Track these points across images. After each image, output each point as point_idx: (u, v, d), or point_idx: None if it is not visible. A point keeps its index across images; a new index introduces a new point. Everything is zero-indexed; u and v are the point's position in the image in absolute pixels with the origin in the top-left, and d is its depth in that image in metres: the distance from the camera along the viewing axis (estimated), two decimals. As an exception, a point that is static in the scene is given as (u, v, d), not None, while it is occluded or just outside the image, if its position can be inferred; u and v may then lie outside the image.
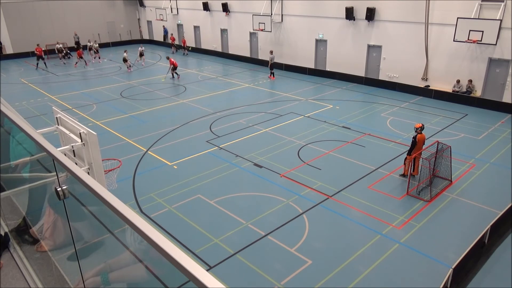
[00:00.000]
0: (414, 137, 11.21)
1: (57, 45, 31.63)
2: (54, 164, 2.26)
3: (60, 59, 31.43)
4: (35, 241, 3.81)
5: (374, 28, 22.19)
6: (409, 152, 11.38)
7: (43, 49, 33.22)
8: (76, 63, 29.89)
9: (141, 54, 29.63)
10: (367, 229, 9.48)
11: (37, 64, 28.99)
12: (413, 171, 11.53)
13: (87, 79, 25.95)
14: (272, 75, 24.88)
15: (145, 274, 2.23)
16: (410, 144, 11.49)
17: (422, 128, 11.24)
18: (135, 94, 21.86)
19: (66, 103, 20.50)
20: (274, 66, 24.98)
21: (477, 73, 18.74)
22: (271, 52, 24.87)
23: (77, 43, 35.44)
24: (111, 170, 10.03)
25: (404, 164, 11.87)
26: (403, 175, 11.83)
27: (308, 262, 8.35)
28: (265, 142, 14.70)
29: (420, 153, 11.28)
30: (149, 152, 14.11)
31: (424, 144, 11.48)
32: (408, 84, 21.14)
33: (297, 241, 9.06)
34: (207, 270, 6.31)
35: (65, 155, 3.71)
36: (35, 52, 28.93)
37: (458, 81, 19.25)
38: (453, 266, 7.64)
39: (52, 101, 20.73)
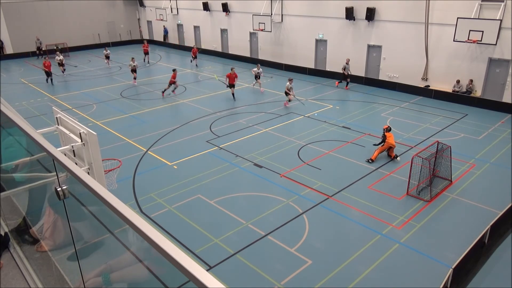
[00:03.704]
0: (384, 136, 13.04)
1: (57, 57, 26.82)
2: (54, 164, 2.26)
3: (63, 71, 27.05)
4: (35, 241, 3.81)
5: (374, 28, 22.19)
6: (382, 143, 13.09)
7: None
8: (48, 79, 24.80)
9: (257, 77, 21.91)
10: (367, 229, 9.48)
11: (47, 79, 24.59)
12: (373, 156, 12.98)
13: (87, 79, 25.94)
14: (347, 84, 22.28)
15: (146, 274, 2.23)
16: (383, 140, 13.03)
17: (388, 129, 13.07)
18: (135, 94, 21.86)
19: (66, 103, 20.50)
20: (347, 76, 22.06)
21: (477, 73, 18.74)
22: (347, 62, 21.85)
23: (39, 48, 33.52)
24: (111, 170, 10.02)
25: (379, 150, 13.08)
26: (371, 160, 12.94)
27: (308, 262, 8.35)
28: (265, 142, 14.70)
29: (386, 144, 12.92)
30: (149, 152, 14.11)
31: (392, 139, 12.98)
32: (408, 84, 21.13)
33: (297, 241, 9.06)
34: (207, 270, 6.31)
35: (65, 155, 3.71)
36: (44, 67, 24.29)
37: (458, 81, 19.25)
38: (453, 266, 7.64)
39: (52, 101, 20.72)
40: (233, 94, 20.51)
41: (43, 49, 33.69)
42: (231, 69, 20.43)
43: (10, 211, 4.33)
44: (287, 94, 18.95)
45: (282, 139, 14.99)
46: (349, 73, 22.03)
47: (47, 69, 24.10)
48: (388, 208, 10.33)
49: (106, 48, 30.79)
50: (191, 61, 29.97)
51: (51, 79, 24.66)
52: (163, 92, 21.34)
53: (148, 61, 30.69)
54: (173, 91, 21.46)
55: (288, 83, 18.72)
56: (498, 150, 13.71)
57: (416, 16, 20.05)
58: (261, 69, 22.09)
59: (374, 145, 13.56)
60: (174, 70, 21.41)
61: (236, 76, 20.26)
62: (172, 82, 21.06)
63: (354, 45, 23.43)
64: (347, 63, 21.84)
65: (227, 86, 20.47)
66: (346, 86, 22.34)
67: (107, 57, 29.92)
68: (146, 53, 30.60)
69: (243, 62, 30.34)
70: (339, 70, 24.34)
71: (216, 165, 12.87)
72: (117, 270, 2.70)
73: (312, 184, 11.60)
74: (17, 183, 4.33)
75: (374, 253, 8.61)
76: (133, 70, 23.73)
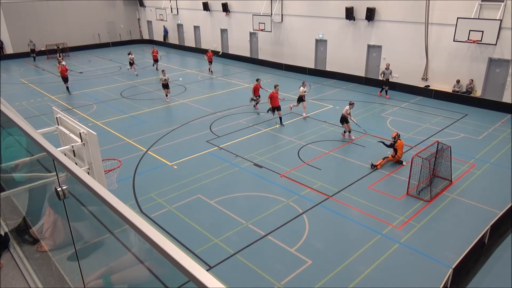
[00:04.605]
0: (395, 142, 12.60)
1: (59, 65, 23.53)
2: (54, 164, 2.26)
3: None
4: (35, 241, 3.81)
5: (374, 28, 22.19)
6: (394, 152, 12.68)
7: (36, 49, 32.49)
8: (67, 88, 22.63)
9: (302, 98, 17.13)
10: (367, 229, 9.48)
11: (67, 87, 22.38)
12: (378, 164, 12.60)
13: (87, 79, 25.93)
14: (386, 92, 20.32)
15: (146, 275, 2.23)
16: (392, 145, 12.70)
17: (398, 136, 12.62)
18: (135, 94, 21.86)
19: (66, 103, 20.50)
20: (387, 83, 20.11)
21: (477, 73, 18.74)
22: (387, 67, 19.87)
23: (33, 50, 32.34)
24: (111, 170, 10.02)
25: (384, 159, 12.72)
26: (374, 166, 12.54)
27: (308, 262, 8.35)
28: (265, 142, 14.70)
29: (396, 157, 12.67)
30: (149, 152, 14.11)
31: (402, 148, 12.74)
32: (408, 84, 21.13)
33: (297, 241, 9.06)
34: (207, 270, 6.30)
35: (65, 155, 3.71)
36: (60, 74, 22.36)
37: (458, 81, 19.25)
38: (453, 266, 7.64)
39: (52, 101, 20.72)
40: (280, 119, 16.27)
41: (37, 50, 33.05)
42: (275, 87, 16.18)
43: (10, 211, 4.33)
44: (343, 121, 14.45)
45: (282, 139, 14.99)
46: (389, 79, 20.05)
47: (63, 75, 21.89)
48: (388, 208, 10.33)
49: (131, 52, 27.10)
50: (209, 70, 26.95)
51: (67, 87, 22.25)
52: (254, 105, 18.67)
53: (157, 68, 27.82)
54: (255, 104, 18.58)
55: (348, 107, 14.49)
56: (498, 150, 13.71)
57: (416, 16, 20.04)
58: (307, 88, 17.29)
59: (381, 143, 13.19)
60: (257, 80, 18.20)
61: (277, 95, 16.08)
62: (257, 94, 18.14)
63: (354, 45, 23.44)
64: (386, 68, 19.77)
65: (269, 110, 16.45)
66: (386, 94, 20.29)
67: (132, 63, 26.21)
68: (156, 59, 27.83)
69: (243, 62, 30.36)
70: (339, 70, 24.42)
71: (216, 165, 12.87)
72: (118, 271, 2.70)
73: (312, 184, 11.60)
74: (17, 183, 4.33)
75: (374, 253, 8.61)
76: (165, 85, 19.92)
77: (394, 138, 12.59)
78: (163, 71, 20.06)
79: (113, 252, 2.90)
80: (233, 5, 30.36)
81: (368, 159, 13.03)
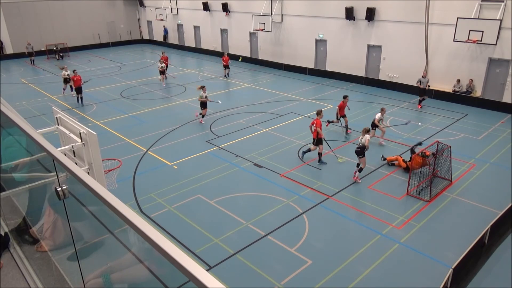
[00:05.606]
0: (410, 157, 11.94)
1: (64, 72, 21.61)
2: (54, 164, 2.26)
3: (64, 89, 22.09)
4: (35, 241, 3.81)
5: (374, 28, 22.19)
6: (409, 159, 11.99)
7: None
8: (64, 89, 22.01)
9: (375, 126, 14.40)
10: (367, 229, 9.48)
11: (77, 98, 20.35)
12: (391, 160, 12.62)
13: (88, 79, 25.90)
14: (419, 102, 18.60)
15: (146, 275, 2.23)
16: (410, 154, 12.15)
17: (423, 154, 11.37)
18: (135, 94, 21.86)
19: (66, 103, 20.49)
20: (424, 93, 18.31)
21: (477, 73, 18.74)
22: (424, 75, 18.20)
23: (30, 53, 30.93)
24: (111, 170, 10.03)
25: (397, 159, 12.55)
26: (385, 159, 12.69)
27: (308, 262, 8.35)
28: (265, 142, 14.70)
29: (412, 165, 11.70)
30: (149, 152, 14.11)
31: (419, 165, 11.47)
32: (408, 84, 21.12)
33: (297, 241, 9.06)
34: (207, 270, 6.30)
35: (65, 155, 3.71)
36: (72, 80, 20.22)
37: (458, 81, 19.25)
38: (453, 266, 7.64)
39: (52, 101, 20.72)
40: (320, 155, 12.97)
41: (35, 51, 32.27)
42: (318, 114, 12.99)
43: (10, 211, 4.34)
44: (374, 127, 14.15)
45: (282, 139, 14.99)
46: (427, 88, 18.23)
47: (76, 85, 19.88)
48: (388, 208, 10.33)
49: (161, 60, 23.84)
50: (226, 74, 25.48)
51: (81, 98, 20.18)
52: (347, 128, 15.53)
53: (166, 77, 24.51)
54: (347, 129, 15.48)
55: (379, 114, 14.03)
56: (498, 150, 13.71)
57: (416, 16, 20.05)
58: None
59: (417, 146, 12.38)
60: (345, 97, 15.15)
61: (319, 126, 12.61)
62: (342, 115, 15.23)
63: (354, 45, 23.43)
64: (423, 77, 18.02)
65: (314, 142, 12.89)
66: (419, 104, 18.57)
67: (163, 72, 23.54)
68: (166, 66, 24.46)
69: (243, 62, 30.35)
70: (339, 70, 24.41)
71: (216, 165, 12.87)
72: (118, 271, 2.70)
73: (312, 184, 11.59)
74: (17, 183, 4.33)
75: (374, 253, 8.61)
76: (204, 104, 16.59)
77: (412, 149, 12.13)
78: (203, 87, 16.43)
79: (113, 252, 2.90)
80: (233, 5, 30.36)
81: (368, 159, 12.99)
